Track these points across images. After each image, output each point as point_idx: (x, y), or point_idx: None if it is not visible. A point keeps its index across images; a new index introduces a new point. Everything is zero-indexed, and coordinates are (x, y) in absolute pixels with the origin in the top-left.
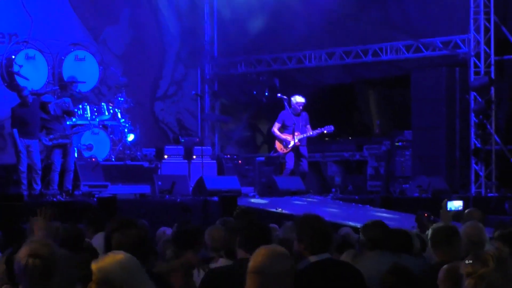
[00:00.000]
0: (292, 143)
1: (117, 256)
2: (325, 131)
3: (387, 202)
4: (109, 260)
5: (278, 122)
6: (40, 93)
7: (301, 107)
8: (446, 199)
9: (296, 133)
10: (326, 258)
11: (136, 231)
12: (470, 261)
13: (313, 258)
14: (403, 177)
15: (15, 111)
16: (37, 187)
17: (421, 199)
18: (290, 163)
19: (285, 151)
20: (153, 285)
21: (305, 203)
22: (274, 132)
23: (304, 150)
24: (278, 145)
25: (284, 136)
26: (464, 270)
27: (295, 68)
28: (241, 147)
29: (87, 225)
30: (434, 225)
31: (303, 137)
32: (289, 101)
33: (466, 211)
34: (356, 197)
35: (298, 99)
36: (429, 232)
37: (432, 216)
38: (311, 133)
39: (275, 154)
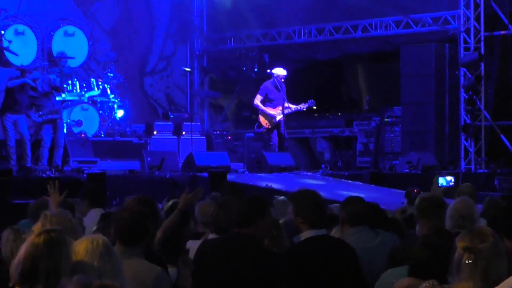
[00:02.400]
0: (278, 117)
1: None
2: (309, 106)
3: (377, 178)
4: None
5: (261, 95)
6: (29, 69)
7: (282, 80)
8: (437, 175)
9: (280, 108)
10: (323, 234)
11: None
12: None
13: (309, 233)
14: (392, 153)
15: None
16: (28, 158)
17: (411, 175)
18: (275, 139)
19: (269, 126)
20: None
21: (295, 178)
22: (257, 105)
23: (282, 123)
24: (262, 119)
25: (269, 110)
26: (460, 244)
27: (284, 43)
28: (231, 123)
29: (82, 199)
30: (421, 195)
31: (289, 112)
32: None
33: (459, 186)
34: (346, 173)
35: (280, 71)
36: (416, 201)
37: (421, 192)
38: (293, 108)
39: (260, 130)
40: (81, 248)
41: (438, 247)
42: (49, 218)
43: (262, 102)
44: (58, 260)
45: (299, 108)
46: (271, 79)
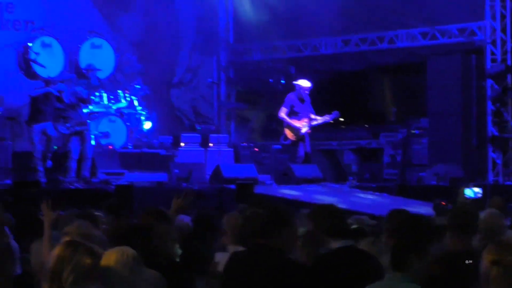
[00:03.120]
0: (304, 129)
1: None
2: (334, 118)
3: (404, 190)
4: (116, 255)
5: (285, 107)
6: (54, 80)
7: (307, 92)
8: (463, 187)
9: (305, 120)
10: (350, 246)
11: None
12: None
13: (335, 244)
14: (420, 165)
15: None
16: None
17: (438, 187)
18: (301, 151)
19: (294, 138)
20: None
21: (323, 191)
22: (282, 118)
23: (308, 139)
24: (288, 132)
25: (294, 122)
26: (488, 257)
27: (310, 55)
28: (257, 135)
29: (107, 213)
30: (451, 207)
31: (313, 125)
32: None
33: (489, 199)
34: (373, 185)
35: (304, 83)
36: (449, 213)
37: (449, 204)
38: (320, 120)
39: (286, 142)
40: (111, 259)
41: (452, 268)
42: (69, 230)
43: (288, 114)
44: (75, 269)
45: (324, 120)
46: (295, 91)
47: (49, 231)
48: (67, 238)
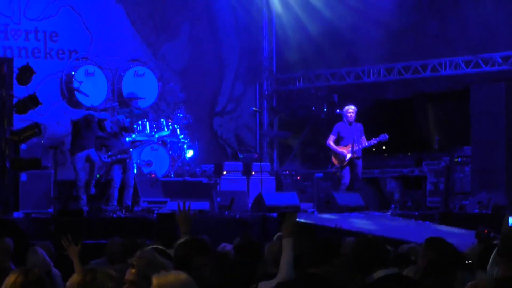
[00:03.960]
0: (348, 155)
1: (180, 276)
2: (381, 140)
3: (447, 218)
4: (171, 279)
5: (333, 135)
6: (95, 108)
7: (352, 115)
8: (508, 214)
9: (351, 145)
10: (395, 273)
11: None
12: None
13: (382, 272)
14: (462, 193)
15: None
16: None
17: (481, 215)
18: (346, 177)
19: (341, 164)
20: None
21: (365, 219)
22: (329, 145)
23: (359, 163)
24: (334, 158)
25: (340, 149)
26: None
27: (353, 83)
28: (300, 163)
29: (155, 241)
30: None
31: (359, 149)
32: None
33: None
34: (416, 213)
35: (347, 107)
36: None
37: (492, 232)
38: (366, 143)
39: (333, 169)
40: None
41: None
42: (137, 259)
43: (335, 141)
44: None
45: (371, 142)
46: (343, 120)
47: (78, 264)
48: (133, 270)
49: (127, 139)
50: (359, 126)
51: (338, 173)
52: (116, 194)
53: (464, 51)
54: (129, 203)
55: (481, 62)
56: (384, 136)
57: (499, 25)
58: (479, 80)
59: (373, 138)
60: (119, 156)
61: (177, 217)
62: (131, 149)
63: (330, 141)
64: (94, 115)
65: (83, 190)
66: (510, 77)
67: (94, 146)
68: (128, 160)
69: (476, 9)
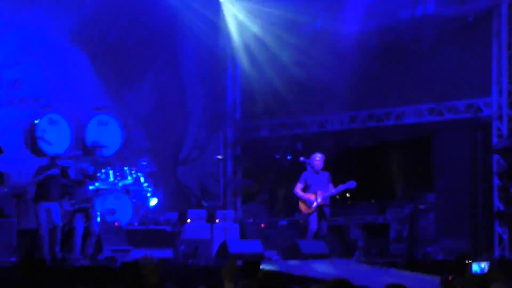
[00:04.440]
0: (315, 203)
1: None
2: (348, 188)
3: (411, 265)
4: None
5: (301, 183)
6: (62, 157)
7: (319, 163)
8: (471, 262)
9: (318, 192)
10: None
11: None
12: None
13: None
14: (426, 240)
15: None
16: (58, 246)
17: (445, 262)
18: (313, 224)
19: (309, 211)
20: None
21: (329, 266)
22: (297, 192)
23: (327, 211)
24: (301, 205)
25: (307, 195)
26: None
27: (317, 131)
28: (264, 211)
29: None
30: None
31: (326, 196)
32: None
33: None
34: (380, 260)
35: (314, 155)
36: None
37: (456, 279)
38: (333, 191)
39: (299, 216)
40: None
41: None
42: None
43: (302, 189)
44: None
45: (338, 189)
46: (310, 169)
47: None
48: None
49: (90, 187)
50: (326, 174)
51: (301, 221)
52: (79, 242)
53: (427, 99)
54: (91, 251)
55: (444, 110)
56: (352, 183)
57: (461, 73)
58: (442, 128)
59: (340, 185)
60: (82, 205)
61: (143, 268)
62: (94, 198)
63: (298, 189)
64: (56, 172)
65: (46, 239)
66: (473, 124)
67: (57, 200)
68: (91, 208)
69: (438, 58)
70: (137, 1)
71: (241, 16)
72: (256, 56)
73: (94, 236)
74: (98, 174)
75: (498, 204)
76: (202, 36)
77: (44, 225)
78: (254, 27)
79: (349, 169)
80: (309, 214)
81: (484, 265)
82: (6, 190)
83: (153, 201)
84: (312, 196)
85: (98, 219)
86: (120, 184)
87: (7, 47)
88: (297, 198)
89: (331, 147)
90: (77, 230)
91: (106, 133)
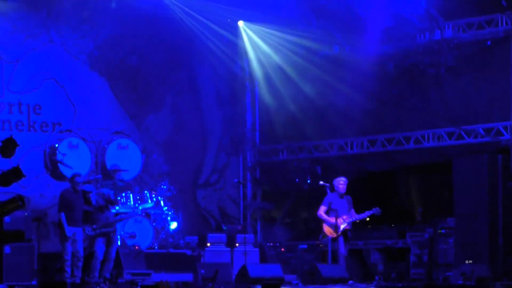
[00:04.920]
0: (342, 226)
1: None
2: (374, 214)
3: None
4: None
5: (324, 205)
6: (83, 181)
7: (343, 186)
8: (491, 287)
9: (344, 217)
10: None
11: None
12: None
13: None
14: (446, 265)
15: (65, 195)
16: (79, 274)
17: (465, 287)
18: (341, 248)
19: (334, 235)
20: None
21: None
22: (321, 216)
23: (349, 235)
24: (326, 229)
25: (332, 219)
26: None
27: (336, 155)
28: (283, 235)
29: None
30: None
31: (351, 221)
32: (332, 186)
33: None
34: (400, 284)
35: (338, 178)
36: None
37: None
38: (357, 216)
39: (323, 240)
40: None
41: None
42: None
43: (326, 212)
44: None
45: (363, 215)
46: (334, 191)
47: None
48: None
49: (112, 210)
50: (349, 198)
51: (321, 245)
52: (98, 266)
53: (446, 123)
54: (108, 275)
55: (463, 134)
56: (377, 210)
57: (480, 97)
58: (461, 152)
59: (367, 211)
60: (103, 230)
61: None
62: (115, 223)
63: (321, 212)
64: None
65: (69, 263)
66: (493, 149)
67: (81, 223)
68: (111, 234)
69: (457, 82)
70: (156, 25)
71: (259, 40)
72: (274, 80)
73: (111, 261)
74: (118, 198)
75: None
76: (221, 59)
77: (69, 249)
78: (272, 51)
79: (368, 193)
80: (333, 239)
81: None
82: (26, 214)
83: (173, 225)
84: (338, 220)
85: (119, 242)
86: (140, 208)
87: (27, 72)
88: (320, 221)
89: (350, 170)
90: (97, 254)
91: (126, 157)
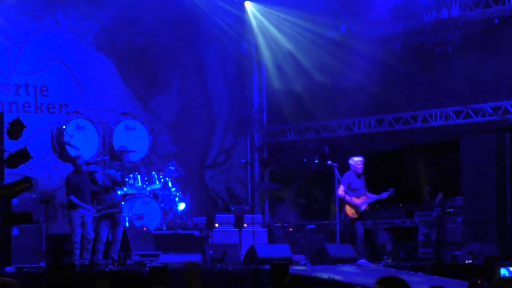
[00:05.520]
0: (363, 207)
1: None
2: (390, 195)
3: (439, 269)
4: None
5: (343, 185)
6: (89, 162)
7: (361, 165)
8: (499, 265)
9: (365, 197)
10: None
11: None
12: None
13: None
14: (454, 244)
15: (71, 179)
16: (88, 256)
17: (473, 266)
18: (360, 229)
19: (355, 216)
20: None
21: (358, 271)
22: (344, 196)
23: (364, 215)
24: (348, 209)
25: (356, 200)
26: None
27: (344, 135)
28: (292, 215)
29: None
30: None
31: (370, 201)
32: (342, 166)
33: None
34: (408, 264)
35: (356, 158)
36: None
37: (485, 283)
38: (376, 196)
39: (345, 220)
40: None
41: None
42: None
43: (345, 192)
44: None
45: (380, 196)
46: (351, 170)
47: None
48: None
49: (119, 192)
50: (363, 178)
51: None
52: (102, 248)
53: (453, 102)
54: (116, 257)
55: (471, 113)
56: (391, 191)
57: (488, 76)
58: (469, 131)
59: (384, 193)
60: (108, 210)
61: (186, 275)
62: (122, 203)
63: (341, 191)
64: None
65: (78, 245)
66: (501, 127)
67: (90, 203)
68: (117, 214)
69: (464, 61)
70: (162, 6)
71: (266, 21)
72: (281, 60)
73: (118, 242)
74: (126, 179)
75: None
76: (227, 40)
77: (78, 231)
78: (279, 32)
79: (376, 173)
80: (355, 219)
81: None
82: (34, 195)
83: (181, 206)
84: (359, 200)
85: (127, 224)
86: (148, 189)
87: (33, 54)
88: (330, 201)
89: (358, 150)
90: (101, 236)
91: (133, 138)
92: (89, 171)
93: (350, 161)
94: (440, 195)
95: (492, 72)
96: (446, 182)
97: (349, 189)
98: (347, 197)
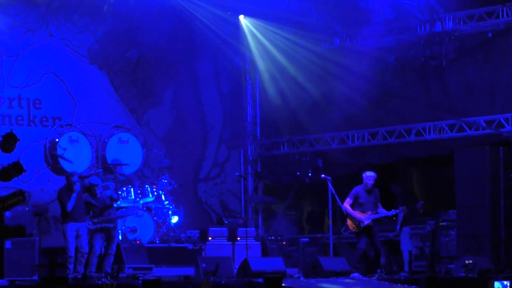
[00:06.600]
0: (365, 222)
1: None
2: (403, 213)
3: (433, 282)
4: None
5: (350, 198)
6: (84, 175)
7: (372, 181)
8: (493, 279)
9: (369, 212)
10: None
11: None
12: None
13: None
14: (448, 257)
15: (62, 195)
16: (82, 269)
17: (467, 279)
18: (362, 243)
19: (356, 230)
20: None
21: (351, 284)
22: (347, 208)
23: (376, 228)
24: (350, 223)
25: (358, 214)
26: None
27: (338, 148)
28: (285, 228)
29: None
30: None
31: (376, 217)
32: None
33: None
34: (402, 277)
35: (368, 173)
36: None
37: None
38: (385, 213)
39: (346, 233)
40: None
41: None
42: None
43: (351, 205)
44: None
45: (387, 213)
46: (362, 184)
47: None
48: None
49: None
50: (377, 192)
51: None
52: (95, 261)
53: (447, 115)
54: (109, 270)
55: (465, 126)
56: (403, 209)
57: (482, 89)
58: (463, 144)
59: (392, 210)
60: (103, 225)
61: None
62: (117, 220)
63: (347, 205)
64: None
65: (72, 259)
66: (494, 141)
67: (85, 217)
68: (112, 230)
69: (458, 74)
70: (156, 19)
71: (260, 34)
72: (275, 73)
73: (111, 256)
74: (119, 192)
75: None
76: (221, 53)
77: (72, 245)
78: (273, 45)
79: None
80: (356, 233)
81: (506, 282)
82: (27, 208)
83: (175, 219)
84: (363, 215)
85: (120, 237)
86: (141, 202)
87: (26, 66)
88: (347, 214)
89: (351, 163)
90: (95, 249)
91: (127, 151)
92: (90, 183)
93: (363, 175)
94: (421, 202)
95: (486, 86)
96: (440, 196)
97: (356, 203)
98: (350, 210)
